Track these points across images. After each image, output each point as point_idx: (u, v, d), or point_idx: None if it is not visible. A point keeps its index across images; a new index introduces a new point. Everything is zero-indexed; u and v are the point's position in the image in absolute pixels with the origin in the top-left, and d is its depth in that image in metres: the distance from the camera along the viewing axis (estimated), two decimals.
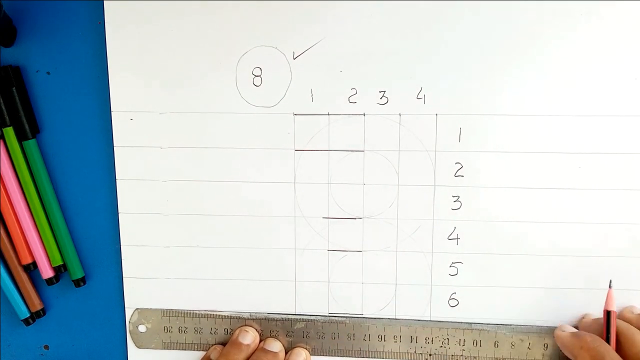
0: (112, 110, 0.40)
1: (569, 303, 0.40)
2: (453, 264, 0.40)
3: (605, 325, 0.37)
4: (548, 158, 0.39)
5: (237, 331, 0.41)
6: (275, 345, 0.41)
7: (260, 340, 0.41)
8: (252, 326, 0.41)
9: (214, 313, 0.41)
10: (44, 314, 0.41)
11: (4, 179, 0.40)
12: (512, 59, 0.38)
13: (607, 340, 0.37)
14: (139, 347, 0.42)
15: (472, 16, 0.38)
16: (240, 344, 0.40)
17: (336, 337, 0.41)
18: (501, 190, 0.39)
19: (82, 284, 0.41)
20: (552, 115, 0.39)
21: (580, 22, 0.38)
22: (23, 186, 0.40)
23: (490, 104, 0.39)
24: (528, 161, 0.39)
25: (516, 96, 0.39)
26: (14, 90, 0.39)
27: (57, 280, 0.41)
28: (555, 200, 0.39)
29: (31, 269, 0.41)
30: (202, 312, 0.41)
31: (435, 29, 0.38)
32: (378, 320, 0.41)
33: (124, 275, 0.41)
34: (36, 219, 0.40)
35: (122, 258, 0.41)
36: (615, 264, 0.40)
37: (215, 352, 0.41)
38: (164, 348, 0.42)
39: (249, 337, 0.40)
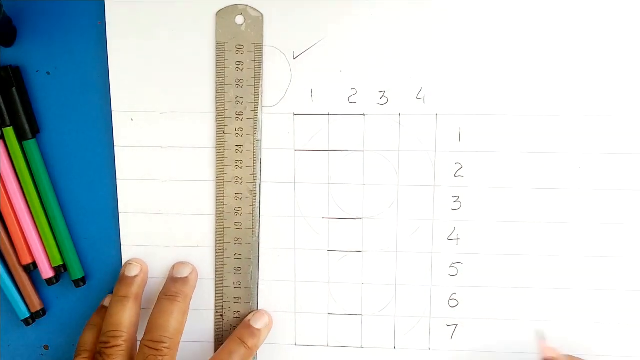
0: (112, 110, 0.40)
1: (569, 303, 0.40)
2: (453, 265, 0.40)
3: None
4: (548, 158, 0.39)
5: (122, 268, 0.41)
6: (184, 270, 0.40)
7: None
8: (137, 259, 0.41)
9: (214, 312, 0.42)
10: (44, 314, 0.41)
11: (4, 179, 0.40)
12: (512, 59, 0.38)
13: None
14: None
15: (472, 16, 0.38)
16: (127, 277, 0.40)
17: None
18: (501, 190, 0.39)
19: (82, 284, 0.41)
20: (552, 115, 0.39)
21: (581, 21, 0.38)
22: (23, 186, 0.40)
23: (490, 104, 0.39)
24: (528, 161, 0.39)
25: (516, 96, 0.39)
26: (14, 90, 0.39)
27: (57, 281, 0.41)
28: (555, 200, 0.39)
29: (31, 269, 0.41)
30: (202, 312, 0.41)
31: (436, 28, 0.38)
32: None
33: None
34: (36, 219, 0.40)
35: (122, 258, 0.41)
36: (615, 264, 0.40)
37: (108, 299, 0.40)
38: None
39: (135, 269, 0.40)
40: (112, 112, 0.40)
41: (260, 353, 0.41)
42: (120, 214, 0.41)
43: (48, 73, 0.40)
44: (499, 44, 0.38)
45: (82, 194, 0.41)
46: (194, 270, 0.41)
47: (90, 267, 0.41)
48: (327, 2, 0.38)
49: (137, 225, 0.41)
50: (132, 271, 0.40)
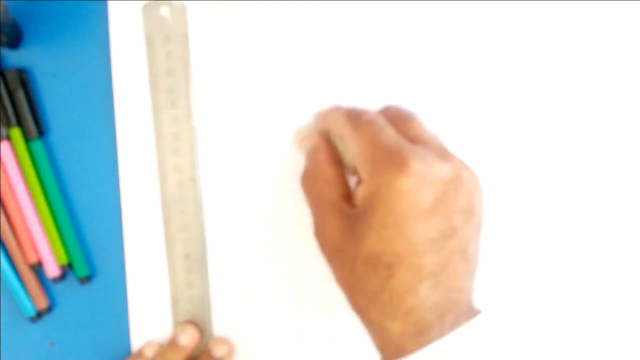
0: (115, 111, 0.40)
1: (570, 301, 0.40)
2: None
3: None
4: (549, 157, 0.39)
5: (175, 330, 0.41)
6: (221, 349, 0.41)
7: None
8: (192, 323, 0.41)
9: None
10: (50, 311, 0.42)
11: (10, 179, 0.40)
12: (513, 57, 0.38)
13: None
14: None
15: (472, 15, 0.38)
16: (177, 344, 0.40)
17: None
18: (502, 189, 0.39)
19: (87, 281, 0.42)
20: (553, 114, 0.39)
21: (580, 20, 0.38)
22: (29, 186, 0.40)
23: (491, 102, 0.39)
24: (529, 160, 0.39)
25: (517, 95, 0.39)
26: (20, 93, 0.40)
27: (63, 279, 0.42)
28: (556, 199, 0.39)
29: (37, 267, 0.41)
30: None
31: (435, 28, 0.38)
32: None
33: (128, 273, 0.42)
34: (42, 218, 0.41)
35: (126, 256, 0.41)
36: (616, 263, 0.40)
37: (149, 348, 0.41)
38: None
39: (187, 338, 0.40)
40: (115, 113, 0.40)
41: (263, 349, 0.42)
42: (123, 214, 0.41)
43: (53, 75, 0.41)
44: (499, 43, 0.38)
45: (87, 194, 0.41)
46: (195, 338, 0.41)
47: (95, 265, 0.42)
48: (327, 2, 0.39)
49: (141, 224, 0.41)
50: (183, 339, 0.40)
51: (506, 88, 0.39)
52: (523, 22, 0.38)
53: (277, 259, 0.41)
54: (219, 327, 0.42)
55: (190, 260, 0.41)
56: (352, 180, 0.35)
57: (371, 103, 0.39)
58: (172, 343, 0.40)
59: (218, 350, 0.40)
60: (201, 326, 0.41)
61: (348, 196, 0.33)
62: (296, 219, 0.41)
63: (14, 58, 0.40)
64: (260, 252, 0.41)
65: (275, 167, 0.40)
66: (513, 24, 0.38)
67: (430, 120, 0.39)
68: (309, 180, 0.35)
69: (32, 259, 0.41)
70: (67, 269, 0.41)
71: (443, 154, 0.32)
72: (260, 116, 0.40)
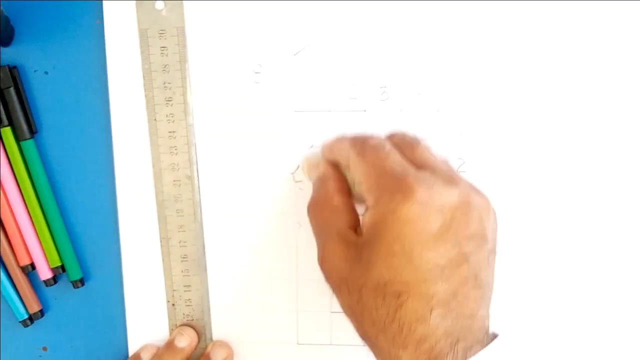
0: (111, 109, 0.40)
1: (570, 301, 0.40)
2: None
3: None
4: (550, 155, 0.39)
5: (173, 332, 0.40)
6: (220, 353, 0.40)
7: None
8: (191, 326, 0.41)
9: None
10: (42, 315, 0.41)
11: (1, 180, 0.39)
12: (514, 54, 0.38)
13: None
14: None
15: (472, 12, 0.38)
16: (175, 347, 0.40)
17: None
18: (504, 187, 0.39)
19: (80, 285, 0.41)
20: (555, 111, 0.39)
21: (582, 18, 0.38)
22: (21, 187, 0.40)
23: (493, 99, 0.39)
24: (531, 157, 0.39)
25: (518, 89, 0.39)
26: (12, 90, 0.39)
27: (56, 282, 0.41)
28: (558, 197, 0.39)
29: (29, 269, 0.40)
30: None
31: (436, 24, 0.38)
32: None
33: (123, 276, 0.41)
34: (34, 220, 0.40)
35: (122, 259, 0.41)
36: (615, 264, 0.39)
37: (146, 351, 0.40)
38: None
39: (185, 340, 0.40)
40: (111, 112, 0.40)
41: (262, 352, 0.41)
42: (119, 214, 0.40)
43: (46, 73, 0.40)
44: (499, 38, 0.38)
45: (81, 194, 0.40)
46: (193, 341, 0.40)
47: (89, 268, 0.41)
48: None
49: (137, 226, 0.40)
50: (181, 341, 0.40)
51: (514, 98, 0.39)
52: (524, 24, 0.38)
53: (277, 260, 0.40)
54: (218, 330, 0.41)
55: (188, 262, 0.40)
56: (360, 209, 0.34)
57: (370, 101, 0.39)
58: (170, 345, 0.39)
59: (217, 354, 0.40)
60: (200, 329, 0.40)
61: (356, 226, 0.33)
62: (296, 218, 0.40)
63: (6, 55, 0.40)
64: (260, 252, 0.40)
65: (274, 164, 0.40)
66: (514, 25, 0.38)
67: (430, 125, 0.39)
68: (316, 209, 0.35)
69: (24, 261, 0.40)
70: (60, 272, 0.41)
71: (450, 179, 0.31)
72: (258, 112, 0.39)
